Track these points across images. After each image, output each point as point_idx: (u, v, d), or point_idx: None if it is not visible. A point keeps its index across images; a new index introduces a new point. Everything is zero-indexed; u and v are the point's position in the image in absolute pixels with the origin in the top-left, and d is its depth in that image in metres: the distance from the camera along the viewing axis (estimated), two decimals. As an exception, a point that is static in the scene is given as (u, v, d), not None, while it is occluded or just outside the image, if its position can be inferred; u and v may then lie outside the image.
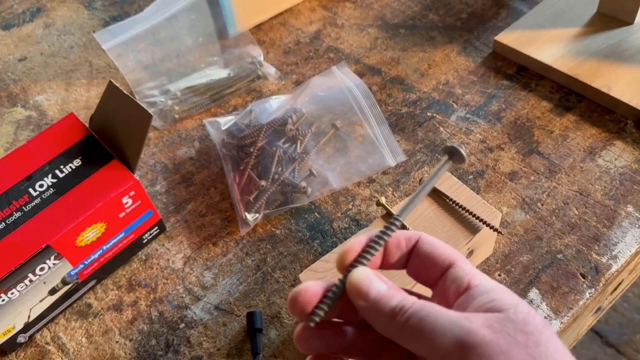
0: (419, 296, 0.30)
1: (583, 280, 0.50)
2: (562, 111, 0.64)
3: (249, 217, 0.57)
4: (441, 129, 0.64)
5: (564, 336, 0.53)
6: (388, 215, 0.49)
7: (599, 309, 0.61)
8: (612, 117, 0.62)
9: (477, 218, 0.47)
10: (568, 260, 0.52)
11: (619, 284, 0.61)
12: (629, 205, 0.55)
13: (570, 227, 0.54)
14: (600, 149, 0.60)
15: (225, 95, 0.71)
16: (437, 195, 0.50)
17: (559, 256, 0.52)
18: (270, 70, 0.73)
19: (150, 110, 0.68)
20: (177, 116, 0.69)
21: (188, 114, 0.70)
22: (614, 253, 0.52)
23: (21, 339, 0.51)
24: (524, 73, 0.68)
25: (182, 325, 0.52)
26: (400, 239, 0.33)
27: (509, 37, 0.70)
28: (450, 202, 0.49)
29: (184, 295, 0.54)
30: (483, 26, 0.75)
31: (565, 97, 0.65)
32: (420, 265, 0.33)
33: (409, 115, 0.66)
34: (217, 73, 0.72)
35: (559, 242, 0.53)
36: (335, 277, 0.46)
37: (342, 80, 0.66)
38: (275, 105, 0.65)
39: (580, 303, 0.49)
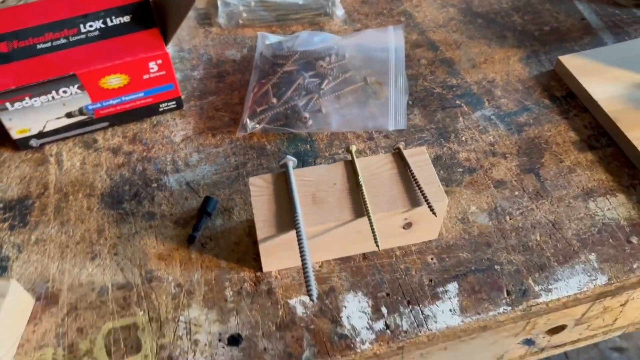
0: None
1: (505, 296, 0.51)
2: (584, 147, 0.62)
3: (249, 123, 0.62)
4: (460, 119, 0.65)
5: (473, 342, 0.54)
6: (349, 163, 0.53)
7: (528, 341, 0.60)
8: (630, 171, 0.60)
9: (422, 193, 0.49)
10: (502, 274, 0.52)
11: (562, 328, 0.60)
12: (592, 254, 0.54)
13: (524, 248, 0.54)
14: (600, 194, 0.58)
15: (290, 20, 0.76)
16: (402, 162, 0.52)
17: (496, 267, 0.53)
18: (339, 11, 0.76)
19: (221, 9, 0.75)
20: (241, 22, 0.75)
21: (251, 23, 0.76)
22: (550, 287, 0.51)
23: (33, 142, 0.61)
24: (570, 100, 0.66)
25: (155, 185, 0.59)
26: None
27: (572, 61, 0.68)
28: (409, 172, 0.51)
29: (168, 163, 0.61)
30: (559, 44, 0.73)
31: (597, 136, 0.63)
32: None
33: (439, 96, 0.67)
34: (291, -3, 0.77)
35: (504, 255, 0.54)
36: (277, 190, 0.50)
37: (391, 41, 0.69)
38: (323, 40, 0.69)
39: (490, 313, 0.50)
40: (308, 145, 0.63)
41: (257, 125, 0.63)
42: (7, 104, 0.57)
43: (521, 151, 0.62)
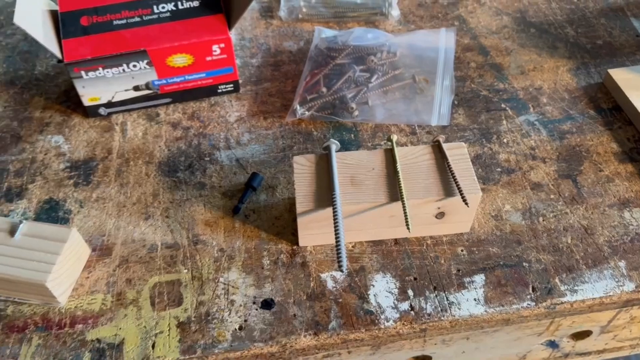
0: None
1: (531, 292, 0.53)
2: (625, 159, 0.62)
3: (299, 109, 0.66)
4: (504, 121, 0.67)
5: (496, 335, 0.56)
6: (389, 151, 0.55)
7: (552, 343, 0.61)
8: (671, 186, 0.60)
9: (456, 184, 0.51)
10: (529, 271, 0.54)
11: (587, 335, 0.60)
12: (622, 261, 0.54)
13: (554, 249, 0.55)
14: (636, 205, 0.58)
15: (347, 17, 0.79)
16: (440, 154, 0.55)
17: (524, 264, 0.54)
18: (395, 12, 0.79)
19: (283, 4, 0.79)
20: (300, 16, 0.79)
21: (310, 18, 0.79)
22: (576, 288, 0.53)
23: (102, 111, 0.67)
24: (615, 113, 0.67)
25: (207, 159, 0.63)
26: None
27: (621, 75, 0.68)
28: (446, 164, 0.53)
29: (221, 140, 0.65)
30: (611, 58, 0.73)
31: (639, 149, 0.63)
32: None
33: (485, 98, 0.69)
34: (350, -5, 0.80)
35: (533, 254, 0.55)
36: (319, 171, 0.54)
37: (442, 42, 0.71)
38: (376, 36, 0.72)
39: (513, 307, 0.52)
40: (352, 135, 0.66)
41: (306, 112, 0.66)
42: (82, 72, 0.62)
43: (561, 157, 0.63)
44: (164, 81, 0.66)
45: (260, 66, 0.74)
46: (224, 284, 0.53)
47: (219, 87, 0.69)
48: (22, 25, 0.58)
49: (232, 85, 0.69)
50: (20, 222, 0.52)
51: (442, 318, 0.51)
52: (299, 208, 0.51)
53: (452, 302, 0.52)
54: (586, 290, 0.53)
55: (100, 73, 0.63)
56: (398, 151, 0.55)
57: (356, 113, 0.66)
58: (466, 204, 0.50)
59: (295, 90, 0.70)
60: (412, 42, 0.72)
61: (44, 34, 0.61)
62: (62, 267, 0.51)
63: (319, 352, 0.52)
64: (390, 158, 0.55)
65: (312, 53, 0.72)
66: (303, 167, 0.54)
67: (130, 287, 0.53)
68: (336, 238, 0.48)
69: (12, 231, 0.52)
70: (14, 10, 0.78)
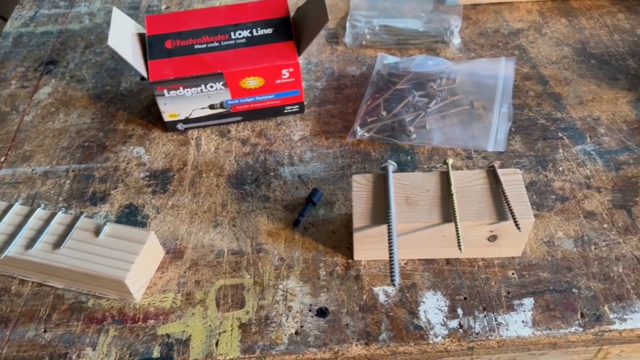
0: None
1: (579, 318, 0.54)
2: (684, 192, 0.63)
3: (359, 131, 0.70)
4: (560, 150, 0.68)
5: (543, 359, 0.57)
6: (444, 174, 0.58)
7: (601, 371, 0.61)
8: None
9: (509, 208, 0.53)
10: (579, 298, 0.55)
11: (638, 366, 0.60)
12: (676, 294, 0.55)
13: (605, 277, 0.56)
14: (693, 239, 0.58)
15: (409, 44, 0.83)
16: (494, 179, 0.57)
17: (574, 290, 0.56)
18: (456, 40, 0.82)
19: (348, 31, 0.84)
20: (364, 43, 0.84)
21: (373, 45, 0.84)
22: (625, 316, 0.53)
23: (179, 126, 0.73)
24: (677, 145, 0.67)
25: (272, 174, 0.68)
26: None
27: (684, 108, 0.68)
28: (499, 188, 0.56)
29: (285, 157, 0.70)
30: (674, 91, 0.74)
31: (700, 183, 0.63)
32: None
33: (542, 127, 0.71)
34: (412, 24, 0.84)
35: (583, 281, 0.56)
36: (376, 189, 0.57)
37: (502, 70, 0.73)
38: (437, 63, 0.75)
39: (561, 331, 0.53)
40: (409, 157, 0.69)
41: (366, 134, 0.70)
42: (165, 91, 0.68)
43: (616, 188, 0.64)
44: (237, 101, 0.71)
45: (324, 89, 0.78)
46: (283, 290, 0.57)
47: (286, 107, 0.74)
48: (114, 47, 0.65)
49: (297, 106, 0.74)
50: (105, 223, 0.58)
51: (490, 337, 0.53)
52: (356, 224, 0.55)
53: (501, 322, 0.54)
54: (636, 319, 0.53)
55: (180, 92, 0.69)
56: (453, 174, 0.58)
57: (414, 136, 0.69)
58: (518, 228, 0.52)
59: (356, 113, 0.74)
60: (471, 70, 0.75)
61: (132, 55, 0.67)
62: (140, 266, 0.56)
63: (369, 361, 0.55)
64: (445, 180, 0.57)
65: (374, 78, 0.76)
66: (361, 185, 0.58)
67: (198, 288, 0.58)
68: (390, 253, 0.51)
69: (97, 231, 0.58)
70: (107, 32, 0.86)
